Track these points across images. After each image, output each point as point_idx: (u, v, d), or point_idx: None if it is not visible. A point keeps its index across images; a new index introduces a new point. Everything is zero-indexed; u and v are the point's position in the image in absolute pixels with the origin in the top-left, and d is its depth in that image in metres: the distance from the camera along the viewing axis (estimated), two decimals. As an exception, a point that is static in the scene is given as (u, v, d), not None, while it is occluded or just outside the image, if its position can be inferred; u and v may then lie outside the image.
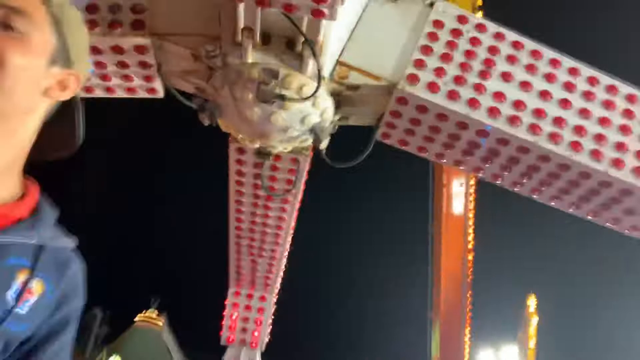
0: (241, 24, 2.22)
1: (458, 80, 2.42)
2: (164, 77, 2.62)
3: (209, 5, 2.37)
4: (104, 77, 2.65)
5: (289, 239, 3.87)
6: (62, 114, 0.95)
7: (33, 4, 0.92)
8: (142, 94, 2.73)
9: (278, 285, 4.21)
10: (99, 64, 2.54)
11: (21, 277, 0.85)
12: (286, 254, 4.04)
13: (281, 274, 4.16)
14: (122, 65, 2.57)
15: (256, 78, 2.31)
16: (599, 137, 2.40)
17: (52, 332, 0.89)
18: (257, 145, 2.71)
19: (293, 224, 3.75)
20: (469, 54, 2.47)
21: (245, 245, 3.81)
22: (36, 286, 0.87)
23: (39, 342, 0.87)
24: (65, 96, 0.92)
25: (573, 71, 2.52)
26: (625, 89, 2.52)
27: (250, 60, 2.31)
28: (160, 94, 2.71)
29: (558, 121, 2.40)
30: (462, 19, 2.54)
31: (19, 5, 0.88)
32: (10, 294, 0.83)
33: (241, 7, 2.16)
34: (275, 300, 4.28)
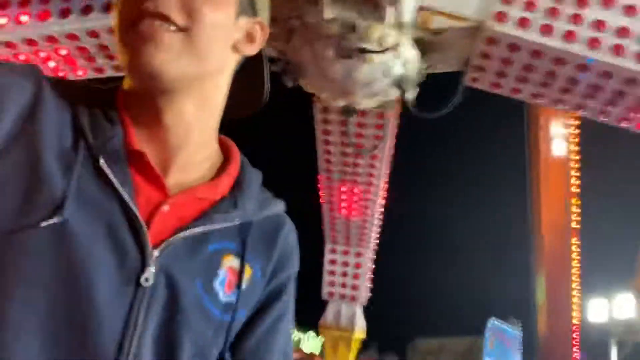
0: None
1: (551, 12, 2.23)
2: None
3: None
4: (90, 59, 2.62)
5: (382, 194, 3.85)
6: (245, 68, 0.84)
7: None
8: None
9: (374, 240, 4.24)
10: (81, 49, 2.53)
11: (227, 263, 0.78)
12: (380, 209, 4.04)
13: (376, 229, 4.18)
14: (103, 47, 2.57)
15: (335, 33, 2.27)
16: None
17: (266, 304, 0.83)
18: (341, 103, 2.69)
19: (385, 179, 3.72)
20: (562, -19, 2.27)
21: (337, 203, 3.85)
22: (246, 269, 0.80)
23: (252, 318, 0.81)
24: (254, 49, 0.83)
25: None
26: None
27: (328, 16, 2.27)
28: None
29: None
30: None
31: None
32: (218, 283, 0.76)
33: None
34: (372, 255, 4.31)
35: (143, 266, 0.69)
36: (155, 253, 0.70)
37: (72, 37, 2.47)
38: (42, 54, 2.55)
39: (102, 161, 0.70)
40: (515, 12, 2.25)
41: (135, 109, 0.76)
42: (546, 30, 2.21)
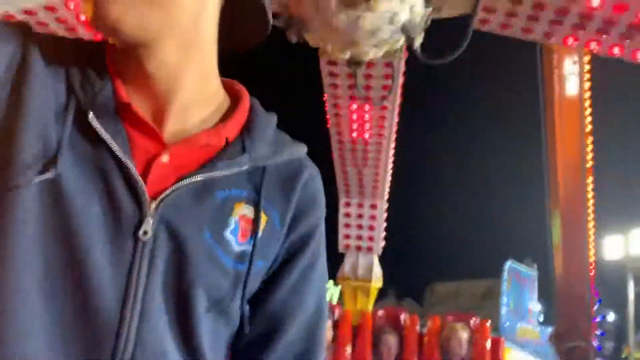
0: None
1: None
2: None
3: None
4: None
5: (393, 144, 3.83)
6: None
7: None
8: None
9: (387, 191, 4.24)
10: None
11: (239, 211, 0.73)
12: (391, 159, 4.02)
13: (389, 179, 4.17)
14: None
15: (338, -17, 2.20)
16: None
17: (292, 254, 0.77)
18: (348, 55, 2.63)
19: (395, 128, 3.69)
20: None
21: (349, 158, 3.84)
22: (261, 216, 0.75)
23: (279, 270, 0.76)
24: None
25: None
26: None
27: (329, -36, 2.20)
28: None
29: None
30: None
31: None
32: (229, 232, 0.72)
33: None
34: (386, 206, 4.33)
35: (140, 219, 0.66)
36: (153, 205, 0.67)
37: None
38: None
39: (90, 115, 0.67)
40: (524, -53, 2.16)
41: (121, 61, 0.72)
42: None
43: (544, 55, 6.52)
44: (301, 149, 0.83)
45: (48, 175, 0.64)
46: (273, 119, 0.82)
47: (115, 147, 0.67)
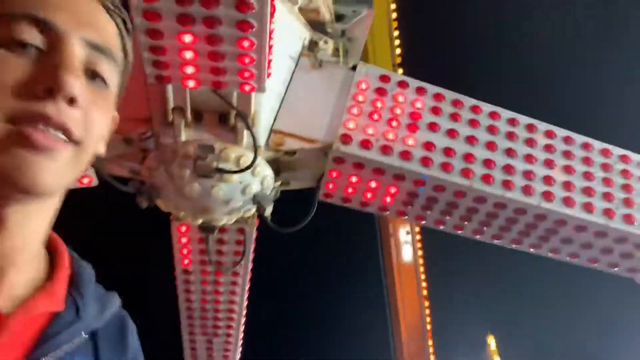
0: (171, 104, 2.24)
1: (388, 135, 2.52)
2: (97, 165, 2.57)
3: (137, 88, 2.39)
4: None
5: (244, 312, 3.77)
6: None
7: (114, 37, 0.72)
8: (75, 185, 2.66)
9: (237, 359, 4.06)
10: None
11: None
12: (242, 327, 3.92)
13: (239, 349, 4.02)
14: None
15: (192, 154, 2.31)
16: (528, 174, 2.53)
17: None
18: (200, 221, 2.67)
19: (246, 295, 3.66)
20: (395, 109, 2.59)
21: (198, 325, 3.67)
22: None
23: None
24: (104, 147, 0.76)
25: (493, 115, 2.68)
26: (542, 125, 2.70)
27: (184, 138, 2.32)
28: (95, 182, 2.65)
29: (487, 163, 2.53)
30: (384, 78, 2.67)
31: (106, 43, 0.69)
32: None
33: (170, 88, 2.19)
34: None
35: None
36: None
37: None
38: None
39: None
40: (358, 134, 2.50)
41: None
42: (385, 150, 2.47)
43: (381, 225, 7.14)
44: (117, 300, 0.83)
45: None
46: (92, 270, 0.81)
47: None
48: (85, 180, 2.65)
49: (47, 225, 0.73)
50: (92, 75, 0.67)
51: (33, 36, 0.62)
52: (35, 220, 0.70)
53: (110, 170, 2.61)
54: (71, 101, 0.62)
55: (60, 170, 0.64)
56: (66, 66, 0.62)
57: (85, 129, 0.66)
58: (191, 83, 2.01)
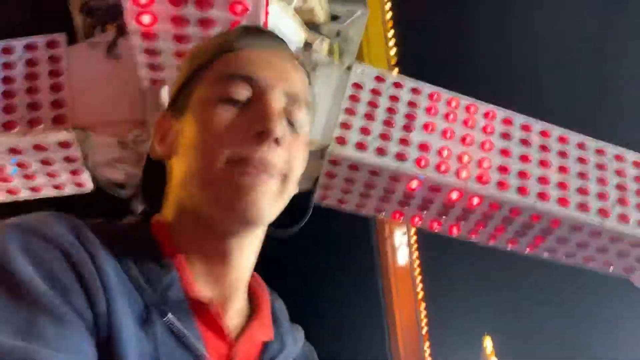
0: (166, 107, 2.23)
1: (384, 136, 2.52)
2: (92, 169, 2.56)
3: (132, 91, 2.38)
4: (29, 177, 2.55)
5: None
6: None
7: (305, 87, 0.81)
8: (70, 190, 2.64)
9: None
10: (21, 165, 2.46)
11: None
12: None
13: None
14: (47, 162, 2.49)
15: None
16: (522, 174, 2.54)
17: None
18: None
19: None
20: (390, 110, 2.59)
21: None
22: None
23: None
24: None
25: (488, 115, 2.68)
26: (538, 125, 2.70)
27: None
28: (90, 186, 2.63)
29: (481, 163, 2.53)
30: (379, 79, 2.67)
31: (301, 94, 0.78)
32: None
33: (164, 90, 2.18)
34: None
35: None
36: None
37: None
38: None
39: (170, 316, 0.64)
40: (354, 136, 2.50)
41: (192, 248, 0.72)
42: (380, 152, 2.47)
43: (377, 227, 7.15)
44: (302, 333, 0.88)
45: None
46: (282, 302, 0.87)
47: (201, 351, 0.65)
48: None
49: (256, 255, 0.80)
50: (289, 121, 0.77)
51: (244, 92, 0.74)
52: (250, 253, 0.78)
53: (106, 175, 2.60)
54: (276, 141, 0.72)
55: (272, 201, 0.73)
56: (272, 113, 0.72)
57: (289, 165, 0.75)
58: (186, 85, 2.00)
